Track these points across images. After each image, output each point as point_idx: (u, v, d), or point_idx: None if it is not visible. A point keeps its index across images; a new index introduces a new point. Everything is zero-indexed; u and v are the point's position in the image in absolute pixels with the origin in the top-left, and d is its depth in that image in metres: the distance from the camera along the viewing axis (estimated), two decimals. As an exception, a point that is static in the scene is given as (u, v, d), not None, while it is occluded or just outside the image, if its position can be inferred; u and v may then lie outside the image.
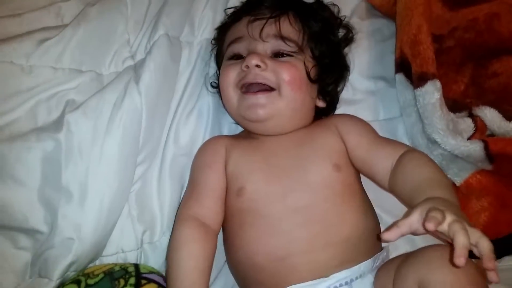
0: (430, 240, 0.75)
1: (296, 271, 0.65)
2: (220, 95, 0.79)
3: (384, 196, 0.75)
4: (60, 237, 0.69)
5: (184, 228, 0.69)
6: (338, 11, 0.85)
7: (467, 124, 0.78)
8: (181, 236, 0.68)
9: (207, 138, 0.82)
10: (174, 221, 0.74)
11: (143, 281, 0.65)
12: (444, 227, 0.52)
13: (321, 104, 0.79)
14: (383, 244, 0.72)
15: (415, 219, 0.54)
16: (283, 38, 0.74)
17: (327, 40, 0.79)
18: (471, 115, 0.80)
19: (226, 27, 0.82)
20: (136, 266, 0.69)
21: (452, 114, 0.78)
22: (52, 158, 0.70)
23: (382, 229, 0.73)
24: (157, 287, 0.66)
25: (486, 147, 0.74)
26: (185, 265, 0.66)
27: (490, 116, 0.79)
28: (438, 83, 0.75)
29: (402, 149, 0.71)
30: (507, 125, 0.79)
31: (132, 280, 0.65)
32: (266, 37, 0.74)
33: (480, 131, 0.78)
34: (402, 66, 0.81)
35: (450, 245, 0.52)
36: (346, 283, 0.64)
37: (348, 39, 0.84)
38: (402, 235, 0.54)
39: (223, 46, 0.81)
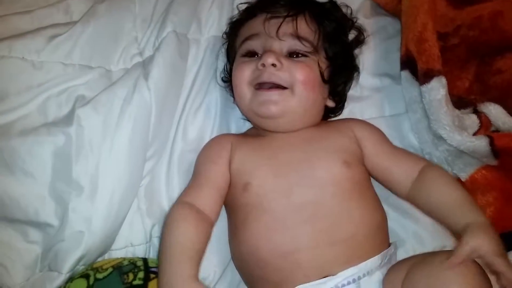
0: (436, 236, 0.77)
1: (301, 267, 0.64)
2: (231, 90, 0.79)
3: (391, 191, 0.76)
4: (70, 231, 0.69)
5: (177, 210, 0.68)
6: (351, 12, 0.85)
7: (472, 120, 0.78)
8: (173, 216, 0.67)
9: (214, 133, 0.82)
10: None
11: (152, 275, 0.65)
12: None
13: (330, 103, 0.79)
14: (390, 240, 0.72)
15: (468, 252, 0.59)
16: (299, 37, 0.73)
17: (341, 41, 0.79)
18: (476, 112, 0.80)
19: (240, 23, 0.81)
20: (145, 260, 0.69)
21: (457, 111, 0.78)
22: (62, 152, 0.71)
23: (389, 225, 0.73)
24: (165, 281, 0.66)
25: (491, 143, 0.75)
26: (174, 242, 0.63)
27: (495, 112, 0.80)
28: (443, 80, 0.75)
29: (422, 162, 0.73)
30: (511, 121, 0.79)
31: (141, 274, 0.65)
32: (283, 36, 0.73)
33: (485, 127, 0.79)
34: (408, 63, 0.81)
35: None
36: (354, 281, 0.63)
37: (360, 41, 0.84)
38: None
39: (235, 41, 0.81)
